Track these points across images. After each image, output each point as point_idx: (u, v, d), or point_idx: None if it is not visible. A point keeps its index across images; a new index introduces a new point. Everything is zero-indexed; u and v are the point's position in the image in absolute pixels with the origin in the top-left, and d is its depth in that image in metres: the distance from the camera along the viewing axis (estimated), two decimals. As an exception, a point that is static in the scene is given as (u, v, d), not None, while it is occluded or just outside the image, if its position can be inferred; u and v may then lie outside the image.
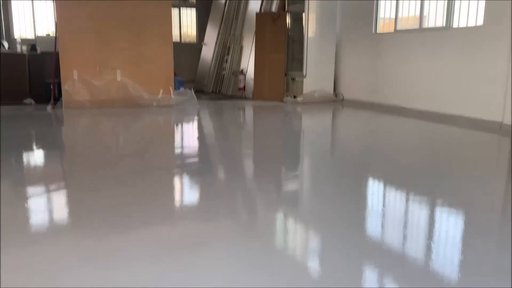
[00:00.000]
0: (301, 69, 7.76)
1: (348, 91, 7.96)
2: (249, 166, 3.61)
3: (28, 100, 6.80)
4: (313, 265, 1.79)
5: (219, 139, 4.84)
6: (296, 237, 2.11)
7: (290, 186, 3.03)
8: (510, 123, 5.11)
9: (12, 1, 11.30)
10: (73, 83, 6.38)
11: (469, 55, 5.67)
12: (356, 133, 5.22)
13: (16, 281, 1.59)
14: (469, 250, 1.92)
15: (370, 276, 1.69)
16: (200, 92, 9.19)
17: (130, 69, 6.66)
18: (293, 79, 7.97)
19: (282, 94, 8.06)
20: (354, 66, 7.81)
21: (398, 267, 1.74)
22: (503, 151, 4.26)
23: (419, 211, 2.45)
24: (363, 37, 7.54)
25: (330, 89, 8.00)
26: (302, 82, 7.76)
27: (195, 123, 5.93)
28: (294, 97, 7.87)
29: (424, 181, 3.05)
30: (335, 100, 7.97)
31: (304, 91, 7.73)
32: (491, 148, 4.42)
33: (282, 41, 7.93)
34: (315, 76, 7.75)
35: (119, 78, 6.61)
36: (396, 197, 2.72)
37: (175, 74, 7.16)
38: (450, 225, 2.27)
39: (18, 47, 7.83)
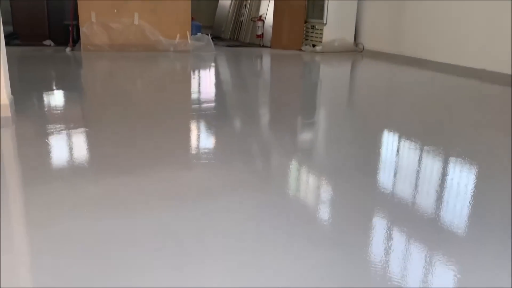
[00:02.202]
0: (321, 16, 7.55)
1: (368, 41, 7.75)
2: (265, 113, 3.64)
3: (48, 42, 6.82)
4: (324, 211, 1.86)
5: (235, 87, 4.84)
6: (309, 184, 2.17)
7: (305, 134, 3.07)
8: (534, 78, 4.98)
9: None
10: (91, 25, 6.36)
11: (500, 5, 5.41)
12: (375, 85, 5.15)
13: (40, 215, 1.70)
14: (478, 201, 1.96)
15: (379, 223, 1.75)
16: (217, 38, 9.07)
17: (147, 13, 6.58)
18: (313, 26, 7.78)
19: (301, 43, 7.91)
20: (376, 15, 7.55)
21: (406, 217, 1.79)
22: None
23: (432, 163, 2.47)
24: (388, -16, 7.23)
25: (350, 38, 7.79)
26: (322, 30, 7.57)
27: (212, 70, 5.91)
28: (313, 46, 7.72)
29: (440, 134, 3.05)
30: (355, 50, 7.79)
31: (324, 40, 7.56)
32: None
33: (303, -13, 7.68)
34: (335, 24, 7.54)
35: (136, 22, 6.55)
36: (410, 149, 2.73)
37: (192, 19, 7.05)
38: (463, 177, 2.29)
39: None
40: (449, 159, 2.50)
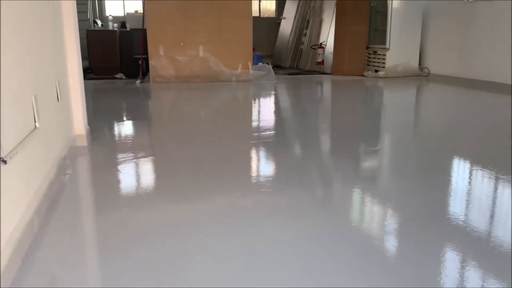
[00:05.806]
0: (383, 41, 7.43)
1: (434, 65, 7.49)
2: (325, 140, 3.60)
3: (119, 75, 7.28)
4: (387, 243, 1.78)
5: (296, 114, 4.85)
6: (372, 214, 2.09)
7: (368, 162, 2.98)
8: None
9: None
10: (159, 58, 6.71)
11: None
12: (441, 111, 4.94)
13: (109, 238, 1.78)
14: None
15: (449, 258, 1.64)
16: (277, 67, 9.21)
17: (211, 45, 6.84)
18: (375, 52, 7.67)
19: (362, 69, 7.81)
20: (442, 38, 7.30)
21: (478, 250, 1.66)
22: None
23: (502, 193, 2.29)
24: (453, 5, 7.00)
25: (415, 63, 7.58)
26: (384, 55, 7.44)
27: (272, 98, 5.98)
28: (376, 71, 7.59)
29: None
30: (420, 74, 7.56)
31: (387, 65, 7.42)
32: None
33: (364, 12, 7.63)
34: (399, 49, 7.38)
35: (201, 54, 6.83)
36: (480, 179, 2.56)
37: (253, 50, 7.23)
38: (544, 208, 2.11)
39: (110, 24, 8.36)
40: (530, 190, 2.31)
